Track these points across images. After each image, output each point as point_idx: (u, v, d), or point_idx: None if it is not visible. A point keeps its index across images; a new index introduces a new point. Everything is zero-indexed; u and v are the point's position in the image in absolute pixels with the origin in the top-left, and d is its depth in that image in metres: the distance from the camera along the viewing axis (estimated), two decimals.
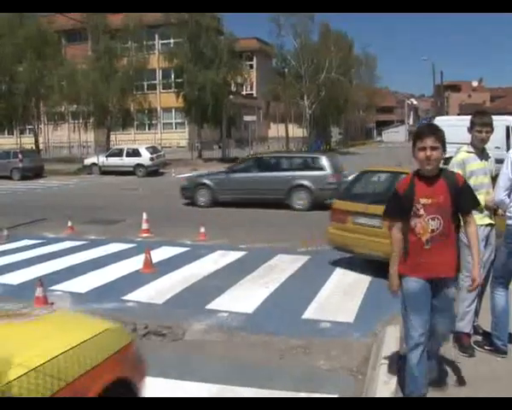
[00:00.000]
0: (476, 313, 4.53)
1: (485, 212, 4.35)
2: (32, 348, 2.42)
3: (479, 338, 4.46)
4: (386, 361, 4.18)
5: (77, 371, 2.46)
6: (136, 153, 27.35)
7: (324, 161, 14.57)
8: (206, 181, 15.51)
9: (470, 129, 4.44)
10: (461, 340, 4.33)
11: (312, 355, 4.81)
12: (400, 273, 3.46)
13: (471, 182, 4.38)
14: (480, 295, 4.54)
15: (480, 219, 4.15)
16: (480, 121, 4.38)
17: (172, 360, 4.72)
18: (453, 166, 4.46)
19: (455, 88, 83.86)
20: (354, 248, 7.46)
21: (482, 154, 4.47)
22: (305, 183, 14.33)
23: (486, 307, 4.52)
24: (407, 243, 3.42)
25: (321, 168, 14.44)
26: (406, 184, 3.44)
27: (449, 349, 4.20)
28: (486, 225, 4.35)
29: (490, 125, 4.39)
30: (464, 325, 4.31)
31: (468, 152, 4.43)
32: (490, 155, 4.57)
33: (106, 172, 27.12)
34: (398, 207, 3.45)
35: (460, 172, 4.40)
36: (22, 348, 2.39)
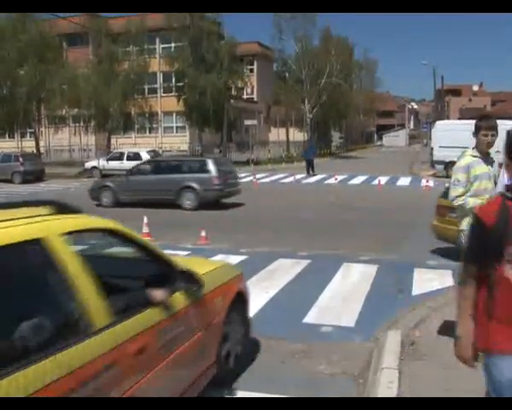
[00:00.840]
0: None
1: None
2: (197, 266, 3.84)
3: None
4: (388, 366, 4.17)
5: (223, 280, 4.21)
6: (136, 156, 27.33)
7: (210, 164, 15.80)
8: (109, 183, 16.79)
9: (475, 133, 4.42)
10: None
11: (313, 360, 4.80)
12: (482, 349, 2.38)
13: (475, 187, 4.37)
14: None
15: None
16: (486, 125, 4.37)
17: None
18: (458, 171, 4.44)
19: (455, 92, 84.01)
20: (450, 238, 8.19)
21: (487, 158, 4.45)
22: (192, 184, 15.58)
23: None
24: (493, 301, 2.31)
25: (207, 171, 15.67)
26: (495, 213, 2.29)
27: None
28: None
29: (495, 128, 4.39)
30: None
31: (473, 156, 4.41)
32: (494, 159, 4.55)
33: (106, 175, 27.01)
34: (484, 246, 2.30)
35: (464, 176, 4.39)
36: (193, 266, 3.74)
